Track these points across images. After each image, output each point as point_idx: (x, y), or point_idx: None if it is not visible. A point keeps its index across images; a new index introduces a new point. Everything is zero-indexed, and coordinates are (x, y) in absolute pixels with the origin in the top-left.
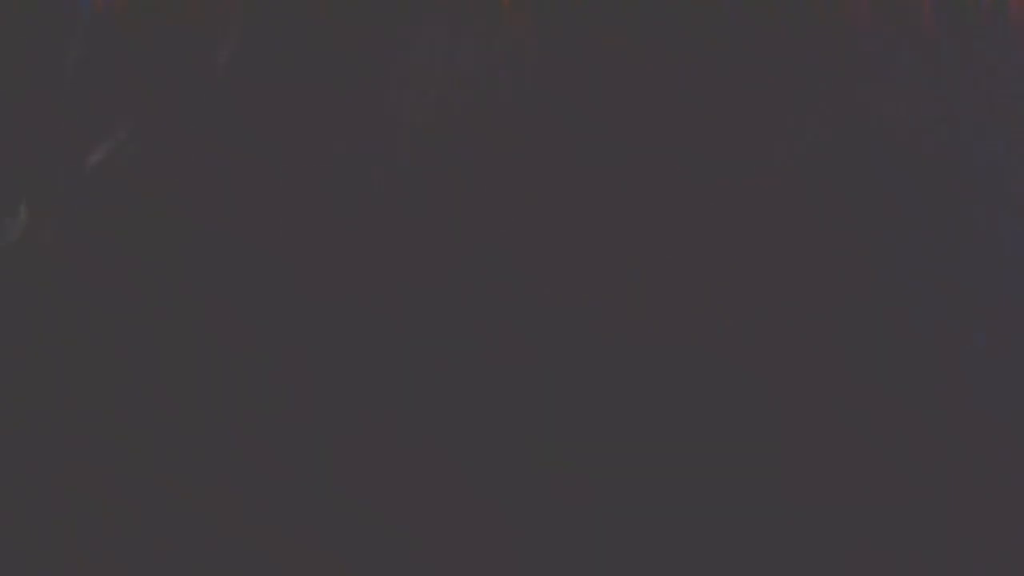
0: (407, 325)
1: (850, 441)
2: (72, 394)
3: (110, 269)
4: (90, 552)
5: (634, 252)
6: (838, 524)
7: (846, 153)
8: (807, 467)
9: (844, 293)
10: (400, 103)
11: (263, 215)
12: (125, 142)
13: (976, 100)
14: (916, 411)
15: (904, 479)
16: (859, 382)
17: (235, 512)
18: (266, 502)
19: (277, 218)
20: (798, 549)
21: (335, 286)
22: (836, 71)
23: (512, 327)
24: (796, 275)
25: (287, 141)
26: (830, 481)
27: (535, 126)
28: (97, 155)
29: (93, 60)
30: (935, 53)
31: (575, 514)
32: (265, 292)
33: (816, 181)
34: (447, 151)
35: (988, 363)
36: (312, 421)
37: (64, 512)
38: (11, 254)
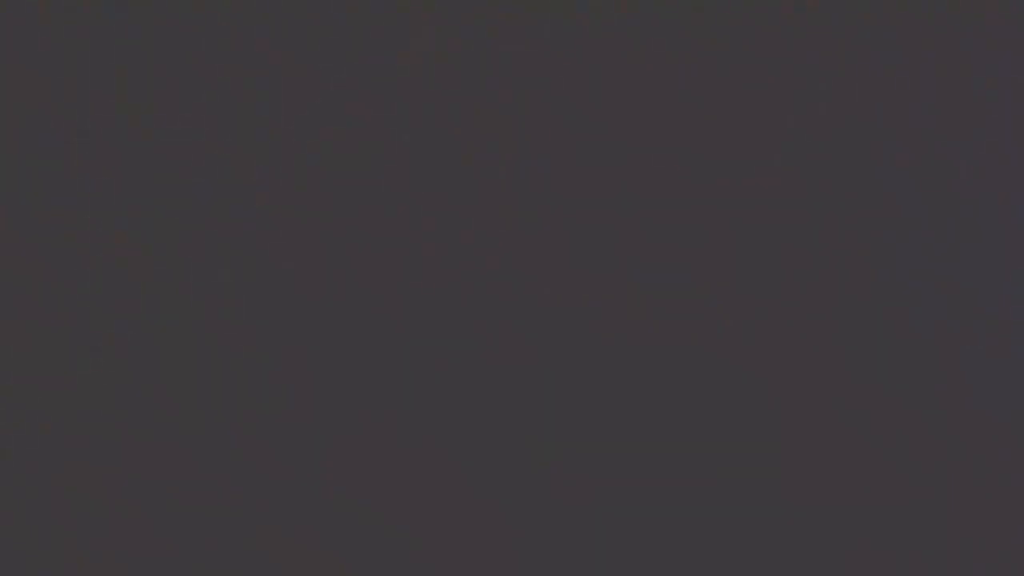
0: (408, 324)
1: (850, 441)
2: (74, 394)
3: (112, 267)
4: (90, 552)
5: (634, 252)
6: (838, 524)
7: (846, 153)
8: (807, 467)
9: (844, 293)
10: (400, 101)
11: (264, 214)
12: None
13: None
14: (916, 411)
15: (904, 479)
16: (859, 382)
17: (235, 512)
18: (266, 502)
19: (277, 218)
20: (798, 549)
21: (336, 285)
22: (836, 71)
23: (512, 327)
24: (796, 274)
25: (288, 140)
26: (830, 481)
27: (536, 125)
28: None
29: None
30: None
31: (575, 514)
32: (264, 292)
33: (816, 181)
34: (447, 150)
35: (988, 363)
36: (312, 421)
37: (64, 512)
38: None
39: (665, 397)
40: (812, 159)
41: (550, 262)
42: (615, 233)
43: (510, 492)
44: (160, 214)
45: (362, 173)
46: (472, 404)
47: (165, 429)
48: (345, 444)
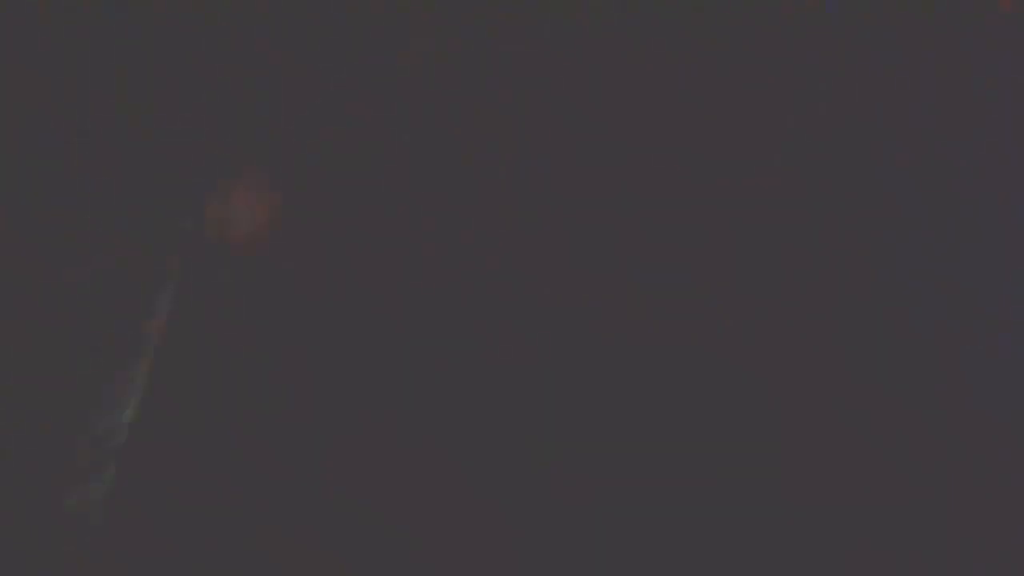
0: (408, 325)
1: (850, 441)
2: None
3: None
4: (90, 551)
5: (634, 252)
6: (838, 524)
7: (846, 153)
8: (807, 467)
9: (844, 293)
10: (402, 102)
11: (271, 215)
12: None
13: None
14: (916, 411)
15: (904, 479)
16: (859, 382)
17: (235, 512)
18: (266, 502)
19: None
20: (798, 549)
21: (334, 286)
22: (836, 71)
23: (512, 327)
24: (796, 274)
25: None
26: (830, 481)
27: (535, 126)
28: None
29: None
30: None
31: (575, 514)
32: (263, 293)
33: (816, 181)
34: (450, 149)
35: (988, 363)
36: (313, 421)
37: (64, 512)
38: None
39: (665, 397)
40: (812, 159)
41: (550, 262)
42: (615, 233)
43: (509, 493)
44: (162, 214)
45: (362, 173)
46: (472, 404)
47: (163, 429)
48: (344, 445)
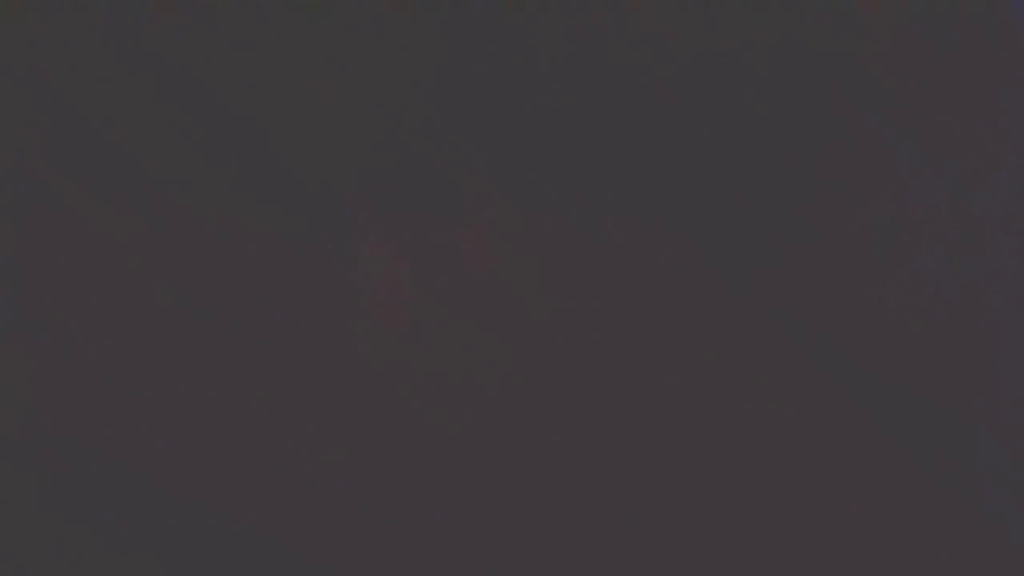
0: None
1: (849, 441)
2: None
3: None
4: (90, 552)
5: (633, 250)
6: (839, 525)
7: (844, 155)
8: (808, 469)
9: (842, 298)
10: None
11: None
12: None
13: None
14: (915, 411)
15: (903, 480)
16: (858, 383)
17: (235, 513)
18: (265, 504)
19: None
20: (798, 549)
21: (329, 290)
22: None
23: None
24: (796, 275)
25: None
26: (831, 482)
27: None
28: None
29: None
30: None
31: (574, 516)
32: (265, 309)
33: (816, 182)
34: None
35: (987, 362)
36: (312, 423)
37: (63, 513)
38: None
39: (665, 398)
40: (811, 160)
41: (547, 265)
42: (614, 234)
43: (508, 493)
44: (146, 216)
45: (358, 176)
46: (470, 406)
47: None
48: (343, 446)
